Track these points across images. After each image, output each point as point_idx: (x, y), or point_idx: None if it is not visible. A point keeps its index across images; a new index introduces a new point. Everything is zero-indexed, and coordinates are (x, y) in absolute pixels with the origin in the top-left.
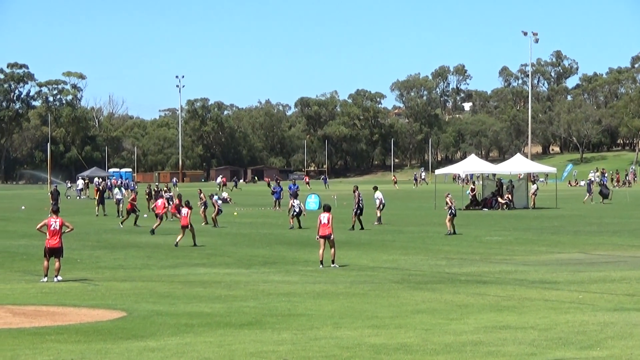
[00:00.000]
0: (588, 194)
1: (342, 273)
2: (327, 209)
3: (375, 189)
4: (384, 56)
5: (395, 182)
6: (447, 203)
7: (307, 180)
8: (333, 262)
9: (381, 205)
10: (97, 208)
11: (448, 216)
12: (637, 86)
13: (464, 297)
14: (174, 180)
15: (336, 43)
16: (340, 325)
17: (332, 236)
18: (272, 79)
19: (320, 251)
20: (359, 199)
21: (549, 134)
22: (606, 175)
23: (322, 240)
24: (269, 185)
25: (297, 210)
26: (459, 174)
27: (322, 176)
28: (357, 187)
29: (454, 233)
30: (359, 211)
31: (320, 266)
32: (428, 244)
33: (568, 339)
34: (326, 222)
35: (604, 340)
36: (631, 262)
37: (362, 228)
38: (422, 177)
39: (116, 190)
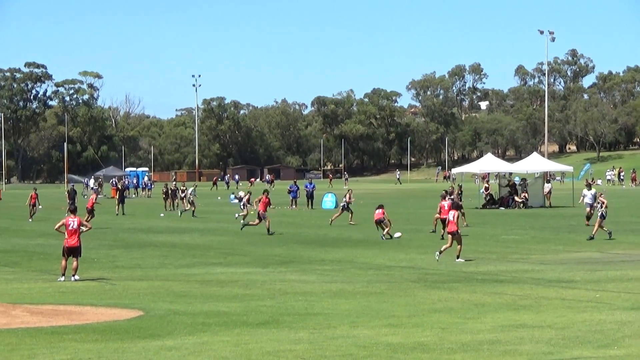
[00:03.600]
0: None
1: (358, 272)
2: (454, 206)
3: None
4: (400, 55)
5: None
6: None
7: (331, 179)
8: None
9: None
10: (117, 207)
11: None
12: None
13: (481, 296)
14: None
15: (352, 42)
16: (357, 324)
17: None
18: (288, 78)
19: None
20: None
21: (565, 133)
22: (622, 174)
23: None
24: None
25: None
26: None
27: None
28: (460, 187)
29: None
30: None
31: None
32: (444, 243)
33: (585, 337)
34: (452, 219)
35: (621, 339)
36: None
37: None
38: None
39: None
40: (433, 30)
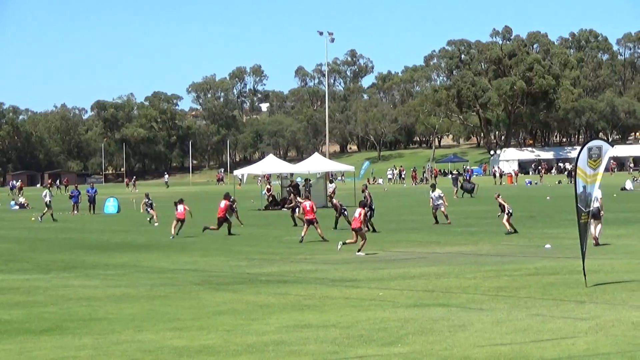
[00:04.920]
0: (454, 188)
1: (142, 276)
2: (362, 205)
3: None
4: (180, 58)
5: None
6: (500, 204)
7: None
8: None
9: None
10: None
11: (506, 216)
12: (431, 84)
13: (265, 297)
14: None
15: (131, 45)
16: (142, 328)
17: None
18: (67, 82)
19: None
20: (370, 200)
21: (346, 133)
22: (404, 172)
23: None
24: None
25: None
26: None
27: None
28: (366, 187)
29: (515, 232)
30: (371, 212)
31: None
32: (229, 245)
33: (369, 336)
34: (357, 216)
35: (405, 336)
36: (430, 258)
37: (374, 231)
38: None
39: None
40: (213, 32)
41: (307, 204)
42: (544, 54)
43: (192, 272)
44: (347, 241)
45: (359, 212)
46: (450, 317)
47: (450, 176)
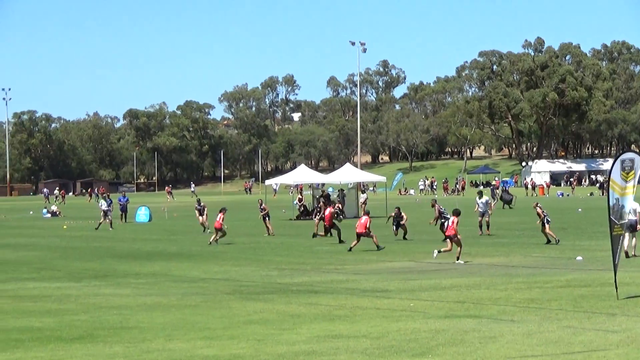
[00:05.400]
0: (493, 200)
1: (173, 285)
2: (455, 213)
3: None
4: (212, 67)
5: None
6: (537, 213)
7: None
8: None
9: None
10: None
11: (543, 226)
12: (463, 95)
13: (296, 307)
14: None
15: (164, 54)
16: (173, 337)
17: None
18: (100, 91)
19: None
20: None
21: (378, 144)
22: (435, 183)
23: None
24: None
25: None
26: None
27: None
28: (435, 201)
29: (557, 241)
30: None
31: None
32: (259, 255)
33: (400, 346)
34: (451, 224)
35: (435, 347)
36: (461, 270)
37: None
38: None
39: None
40: (245, 41)
41: (364, 219)
42: (576, 66)
43: (223, 282)
44: (443, 249)
45: (452, 220)
46: (481, 329)
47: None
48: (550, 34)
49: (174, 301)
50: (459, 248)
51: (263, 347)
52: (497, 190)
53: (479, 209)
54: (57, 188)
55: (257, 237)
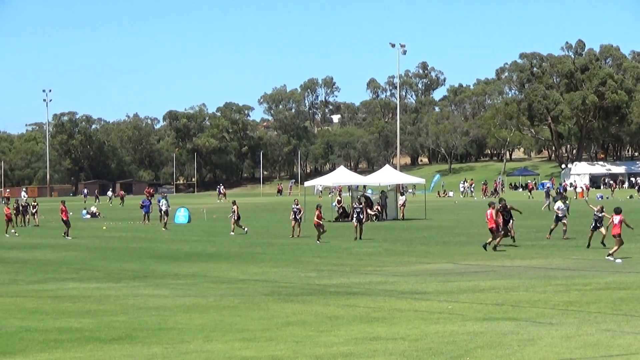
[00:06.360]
0: (546, 201)
1: (212, 286)
2: (617, 211)
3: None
4: (252, 69)
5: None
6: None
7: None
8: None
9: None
10: None
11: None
12: (503, 97)
13: (334, 309)
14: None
15: (204, 56)
16: (211, 338)
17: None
18: (140, 92)
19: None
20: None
21: (417, 145)
22: (473, 185)
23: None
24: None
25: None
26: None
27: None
28: (504, 201)
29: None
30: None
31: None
32: (298, 256)
33: (438, 349)
34: (617, 222)
35: (473, 350)
36: (499, 272)
37: (514, 240)
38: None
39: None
40: (285, 43)
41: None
42: (616, 68)
43: (262, 283)
44: (612, 251)
45: (617, 219)
46: (520, 331)
47: (526, 189)
48: (590, 36)
49: (212, 302)
50: (619, 245)
51: (301, 349)
52: (552, 191)
53: (559, 214)
54: (110, 189)
55: (295, 238)
